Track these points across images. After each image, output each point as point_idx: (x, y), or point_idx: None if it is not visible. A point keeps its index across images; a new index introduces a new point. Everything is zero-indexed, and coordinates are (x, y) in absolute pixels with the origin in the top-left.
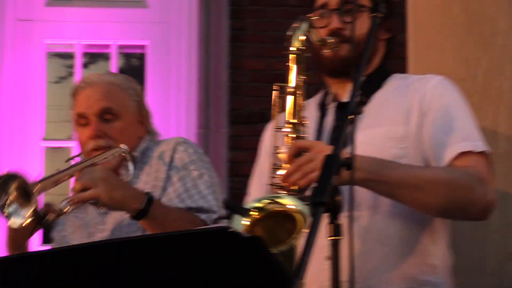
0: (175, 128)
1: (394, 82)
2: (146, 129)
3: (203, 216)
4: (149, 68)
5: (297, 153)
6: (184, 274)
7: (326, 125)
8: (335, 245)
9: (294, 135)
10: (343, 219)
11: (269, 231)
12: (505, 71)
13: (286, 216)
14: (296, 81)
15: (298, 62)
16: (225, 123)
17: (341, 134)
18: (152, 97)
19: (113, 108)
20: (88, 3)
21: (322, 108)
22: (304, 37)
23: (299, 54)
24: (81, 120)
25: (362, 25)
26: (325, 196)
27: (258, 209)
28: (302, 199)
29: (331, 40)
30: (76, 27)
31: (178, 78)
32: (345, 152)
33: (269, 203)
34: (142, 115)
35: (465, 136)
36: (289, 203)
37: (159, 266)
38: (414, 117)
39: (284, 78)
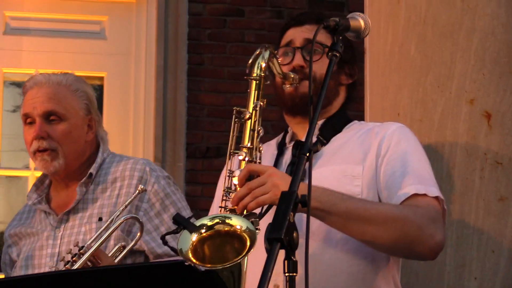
0: None
1: (355, 127)
2: (96, 134)
3: None
4: (106, 100)
5: (248, 176)
6: None
7: (282, 163)
8: (291, 282)
9: (249, 160)
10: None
11: (217, 248)
12: (461, 114)
13: (235, 236)
14: (254, 107)
15: (257, 88)
16: (182, 157)
17: (297, 171)
18: (109, 129)
19: (57, 111)
20: (46, 33)
21: (281, 147)
22: (264, 64)
23: (259, 80)
24: (27, 119)
25: (325, 65)
26: (281, 233)
27: (207, 227)
28: (252, 221)
29: (292, 75)
30: (34, 56)
31: (135, 111)
32: (303, 185)
33: (218, 222)
34: (92, 119)
35: (420, 180)
36: (238, 223)
37: None
38: (371, 159)
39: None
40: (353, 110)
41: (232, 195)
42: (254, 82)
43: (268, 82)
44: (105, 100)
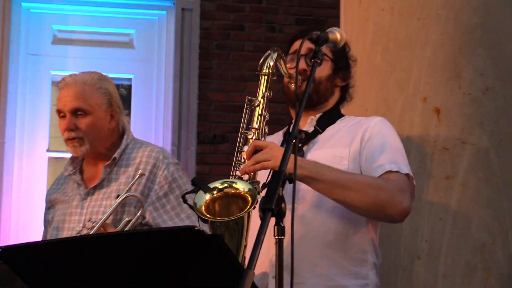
0: None
1: (346, 120)
2: (117, 122)
3: None
4: (134, 97)
5: (254, 150)
6: (154, 265)
7: None
8: (280, 243)
9: (256, 138)
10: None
11: (225, 206)
12: (416, 109)
13: (239, 196)
14: (262, 96)
15: (265, 82)
16: (194, 142)
17: (285, 154)
18: (136, 120)
19: (83, 107)
20: (86, 43)
21: (285, 135)
22: (272, 63)
23: (267, 75)
24: (60, 114)
25: (323, 70)
26: (272, 203)
27: (218, 189)
28: (255, 187)
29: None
30: (76, 61)
31: (157, 106)
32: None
33: (226, 186)
34: (113, 110)
35: (394, 160)
36: (242, 186)
37: (132, 259)
38: (356, 143)
39: (242, 109)
40: None
41: (242, 166)
42: (263, 77)
43: (275, 77)
44: (133, 98)
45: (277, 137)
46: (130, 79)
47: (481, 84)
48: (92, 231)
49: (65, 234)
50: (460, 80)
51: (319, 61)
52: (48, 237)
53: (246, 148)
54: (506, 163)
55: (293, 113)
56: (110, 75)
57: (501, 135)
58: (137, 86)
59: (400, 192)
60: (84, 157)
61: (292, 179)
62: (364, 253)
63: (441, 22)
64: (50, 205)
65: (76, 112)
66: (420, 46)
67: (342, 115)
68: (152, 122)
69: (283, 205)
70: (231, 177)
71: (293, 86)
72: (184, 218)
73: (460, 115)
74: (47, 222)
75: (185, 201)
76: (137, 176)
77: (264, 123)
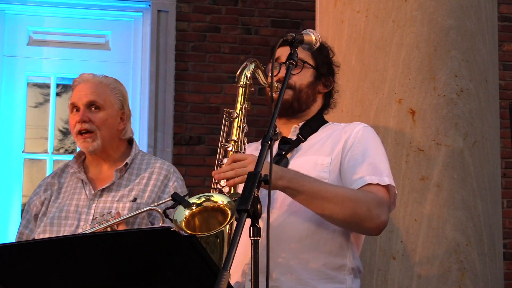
0: None
1: (330, 127)
2: (125, 125)
3: None
4: None
5: (233, 162)
6: (130, 266)
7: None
8: (255, 244)
9: (235, 151)
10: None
11: (204, 220)
12: (391, 111)
13: (219, 210)
14: (240, 108)
15: (243, 94)
16: (170, 144)
17: (261, 155)
18: None
19: (97, 101)
20: (62, 44)
21: (270, 141)
22: (249, 75)
23: (244, 87)
24: (74, 108)
25: (304, 77)
26: (247, 205)
27: (196, 204)
28: (234, 199)
29: (276, 85)
30: (52, 63)
31: (133, 107)
32: (274, 167)
33: (205, 200)
34: (124, 113)
35: (375, 171)
36: (220, 199)
37: (108, 260)
38: (338, 151)
39: (218, 110)
40: None
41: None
42: (241, 88)
43: (252, 89)
44: None
45: (258, 145)
46: None
47: (456, 86)
48: (102, 226)
49: (64, 229)
50: (434, 81)
51: (294, 62)
52: (41, 231)
53: (226, 160)
54: (481, 164)
55: (277, 121)
56: None
57: (475, 137)
58: None
59: (378, 205)
60: (94, 153)
61: (267, 180)
62: (342, 258)
63: (416, 24)
64: (38, 210)
65: (90, 106)
66: (395, 48)
67: (325, 122)
68: None
69: (258, 206)
70: (212, 190)
71: (274, 95)
72: None
73: (435, 116)
74: (29, 226)
75: (167, 216)
76: (167, 199)
77: (243, 134)
